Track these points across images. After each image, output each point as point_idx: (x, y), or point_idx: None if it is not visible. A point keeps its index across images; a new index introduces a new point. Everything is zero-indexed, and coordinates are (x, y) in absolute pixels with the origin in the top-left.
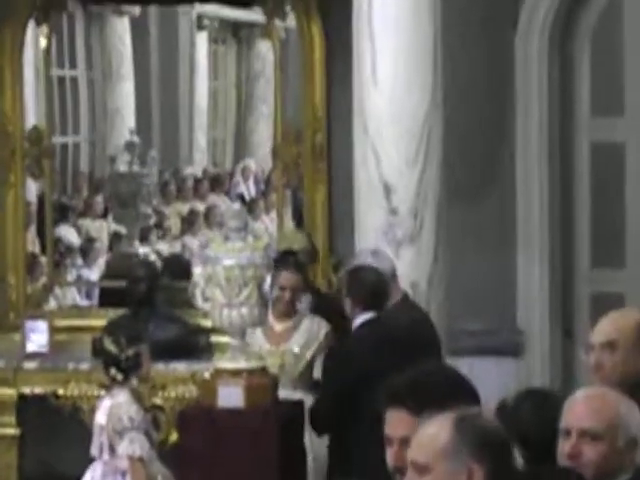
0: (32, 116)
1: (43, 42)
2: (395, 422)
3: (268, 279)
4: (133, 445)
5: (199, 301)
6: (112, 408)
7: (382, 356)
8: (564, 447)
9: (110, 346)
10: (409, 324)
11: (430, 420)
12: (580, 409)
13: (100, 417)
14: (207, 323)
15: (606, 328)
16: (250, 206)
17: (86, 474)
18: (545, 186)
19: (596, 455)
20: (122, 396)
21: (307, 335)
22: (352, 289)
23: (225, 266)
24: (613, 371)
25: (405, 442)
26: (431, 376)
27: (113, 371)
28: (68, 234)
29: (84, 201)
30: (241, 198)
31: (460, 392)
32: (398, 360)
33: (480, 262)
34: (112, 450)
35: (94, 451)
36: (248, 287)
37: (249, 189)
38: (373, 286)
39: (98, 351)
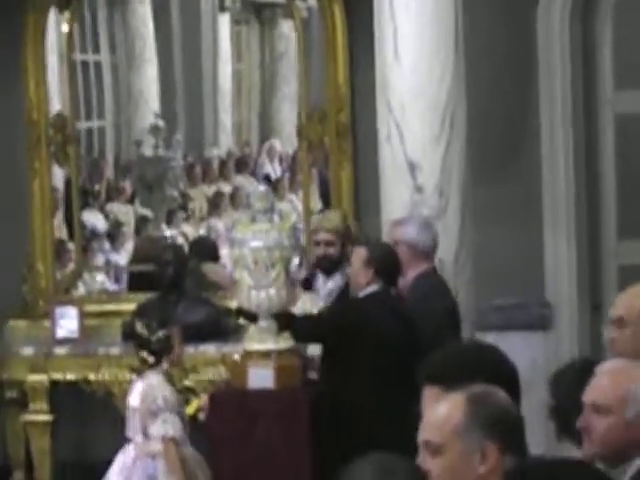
0: (57, 102)
1: (66, 28)
2: (430, 399)
3: (295, 260)
4: (166, 425)
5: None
6: (146, 389)
7: (387, 322)
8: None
9: (141, 329)
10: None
11: (442, 400)
12: (592, 382)
13: (133, 399)
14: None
15: (618, 304)
16: (276, 186)
17: (118, 457)
18: (570, 160)
19: (603, 429)
20: (154, 378)
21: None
22: (379, 262)
23: (252, 248)
24: (624, 347)
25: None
26: (467, 353)
27: (144, 354)
28: (95, 219)
29: (110, 185)
30: (267, 178)
31: (496, 369)
32: (403, 330)
33: (506, 237)
34: (144, 433)
35: (130, 433)
36: (275, 268)
37: (275, 169)
38: (398, 263)
39: (128, 335)
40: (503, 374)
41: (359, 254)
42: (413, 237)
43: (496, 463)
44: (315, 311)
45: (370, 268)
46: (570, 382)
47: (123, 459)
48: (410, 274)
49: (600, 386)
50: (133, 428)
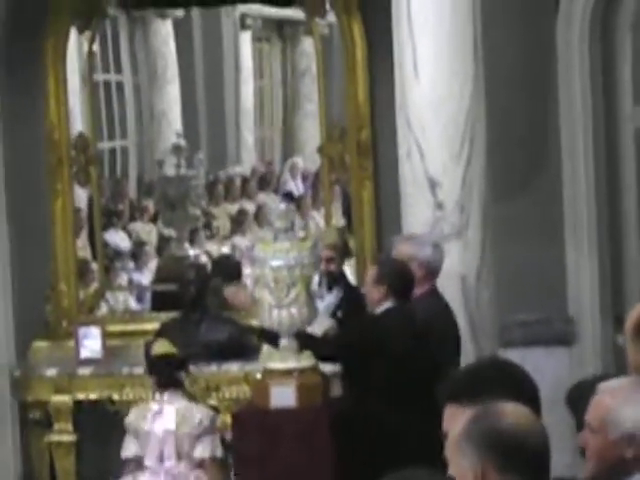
0: (79, 123)
1: (86, 48)
2: (450, 417)
3: (316, 278)
4: (214, 446)
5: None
6: (182, 412)
7: (403, 338)
8: None
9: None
10: (431, 315)
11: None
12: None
13: (168, 423)
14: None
15: (628, 318)
16: (299, 203)
17: None
18: (591, 175)
19: (594, 447)
20: (182, 400)
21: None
22: (392, 278)
23: (273, 267)
24: (634, 360)
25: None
26: (487, 371)
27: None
28: (118, 239)
29: (133, 205)
30: (290, 196)
31: (516, 387)
32: (416, 345)
33: (528, 252)
34: (180, 457)
35: (149, 462)
36: (296, 287)
37: (298, 186)
38: (412, 279)
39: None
40: (523, 392)
41: (371, 271)
42: (428, 256)
43: None
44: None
45: (382, 285)
46: (584, 399)
47: None
48: (415, 292)
49: (593, 404)
50: (158, 455)
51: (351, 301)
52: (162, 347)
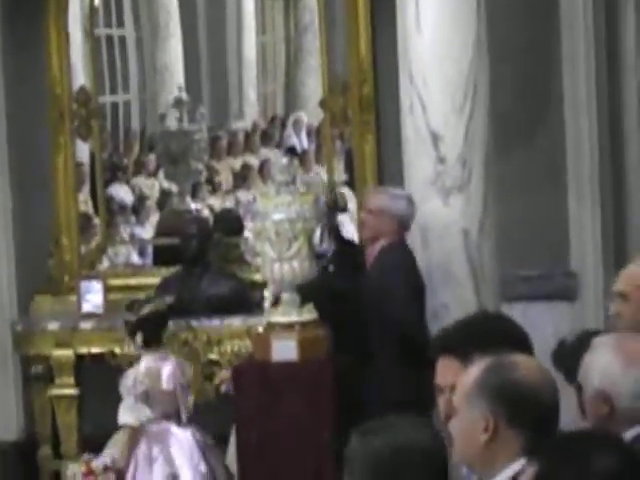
0: (81, 77)
1: (88, 2)
2: (445, 370)
3: (318, 231)
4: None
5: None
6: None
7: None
8: None
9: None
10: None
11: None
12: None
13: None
14: (259, 278)
15: (621, 278)
16: (302, 158)
17: (176, 449)
18: (594, 127)
19: (582, 405)
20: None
21: None
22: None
23: (274, 220)
24: (627, 321)
25: (452, 389)
26: (481, 324)
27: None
28: (122, 193)
29: (136, 159)
30: (293, 151)
31: (510, 340)
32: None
33: (531, 207)
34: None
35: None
36: (298, 240)
37: (301, 141)
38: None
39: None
40: (517, 345)
41: None
42: (401, 209)
43: (498, 434)
44: None
45: None
46: (569, 356)
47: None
48: (381, 243)
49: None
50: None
51: (344, 255)
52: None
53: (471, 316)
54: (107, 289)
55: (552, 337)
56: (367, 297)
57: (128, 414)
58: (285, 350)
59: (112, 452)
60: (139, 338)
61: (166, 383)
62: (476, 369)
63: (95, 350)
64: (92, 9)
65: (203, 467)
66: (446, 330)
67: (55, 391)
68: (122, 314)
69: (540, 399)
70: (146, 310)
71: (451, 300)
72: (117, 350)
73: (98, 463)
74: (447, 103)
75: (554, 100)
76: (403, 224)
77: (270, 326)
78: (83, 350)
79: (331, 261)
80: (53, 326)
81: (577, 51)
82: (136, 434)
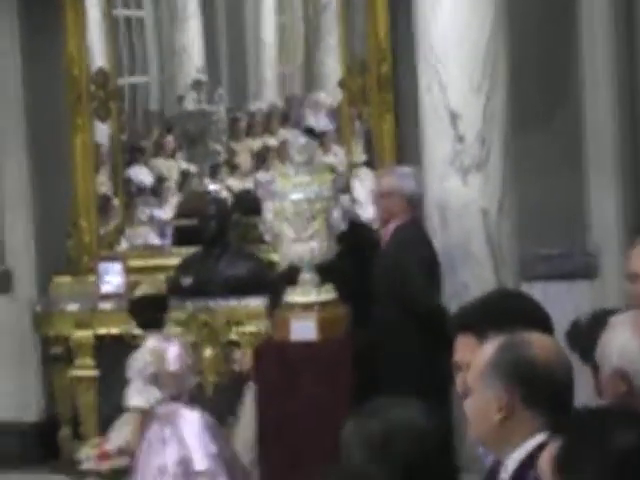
0: (99, 58)
1: None
2: (463, 347)
3: (336, 211)
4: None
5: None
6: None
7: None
8: None
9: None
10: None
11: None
12: None
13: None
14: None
15: (632, 258)
16: (321, 139)
17: (186, 430)
18: (613, 106)
19: (601, 384)
20: (166, 339)
21: None
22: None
23: (293, 200)
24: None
25: (467, 367)
26: (499, 302)
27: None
28: (141, 174)
29: (155, 141)
30: (311, 131)
31: (528, 318)
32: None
33: (550, 185)
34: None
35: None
36: (316, 220)
37: (320, 122)
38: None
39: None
40: (536, 323)
41: None
42: (411, 189)
43: (513, 413)
44: None
45: None
46: (584, 336)
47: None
48: (394, 223)
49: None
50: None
51: (351, 236)
52: (142, 289)
53: (490, 294)
54: (126, 270)
55: (572, 316)
56: (382, 277)
57: (137, 397)
58: (304, 330)
59: (124, 434)
60: (135, 320)
61: (172, 364)
62: (490, 347)
63: (114, 331)
64: None
65: (213, 448)
66: (464, 307)
67: (75, 372)
68: None
69: (555, 377)
70: (140, 292)
71: (470, 279)
72: (136, 331)
73: (112, 446)
74: (465, 82)
75: (573, 81)
76: (414, 202)
77: (289, 306)
78: (102, 331)
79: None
80: (72, 307)
81: (597, 30)
82: (147, 416)
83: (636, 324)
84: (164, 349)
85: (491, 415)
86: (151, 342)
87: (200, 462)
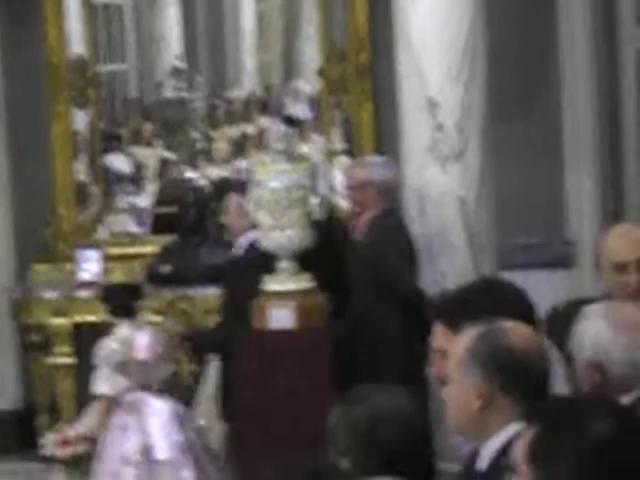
0: (79, 46)
1: None
2: (439, 335)
3: (313, 200)
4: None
5: None
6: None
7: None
8: None
9: None
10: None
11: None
12: None
13: (142, 354)
14: None
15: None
16: (300, 127)
17: (151, 419)
18: (591, 95)
19: (576, 374)
20: (137, 328)
21: None
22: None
23: (271, 189)
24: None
25: (442, 354)
26: (478, 293)
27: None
28: (119, 162)
29: (133, 128)
30: (290, 119)
31: (509, 309)
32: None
33: (529, 176)
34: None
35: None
36: (295, 208)
37: (299, 110)
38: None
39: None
40: (515, 312)
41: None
42: (384, 178)
43: (491, 401)
44: None
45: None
46: (560, 325)
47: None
48: (370, 214)
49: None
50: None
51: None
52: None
53: (471, 284)
54: (105, 258)
55: (551, 304)
56: (359, 265)
57: (104, 384)
58: (282, 318)
59: (88, 421)
60: (106, 307)
61: (142, 353)
62: (467, 337)
63: (92, 319)
64: None
65: (179, 437)
66: (443, 295)
67: (53, 360)
68: None
69: (532, 365)
70: (113, 280)
71: (449, 268)
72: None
73: (73, 433)
74: (444, 71)
75: (552, 71)
76: (387, 191)
77: (267, 294)
78: (80, 319)
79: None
80: (50, 295)
81: (576, 24)
82: (112, 404)
83: (609, 313)
84: (133, 337)
85: (470, 403)
86: (121, 330)
87: (162, 451)
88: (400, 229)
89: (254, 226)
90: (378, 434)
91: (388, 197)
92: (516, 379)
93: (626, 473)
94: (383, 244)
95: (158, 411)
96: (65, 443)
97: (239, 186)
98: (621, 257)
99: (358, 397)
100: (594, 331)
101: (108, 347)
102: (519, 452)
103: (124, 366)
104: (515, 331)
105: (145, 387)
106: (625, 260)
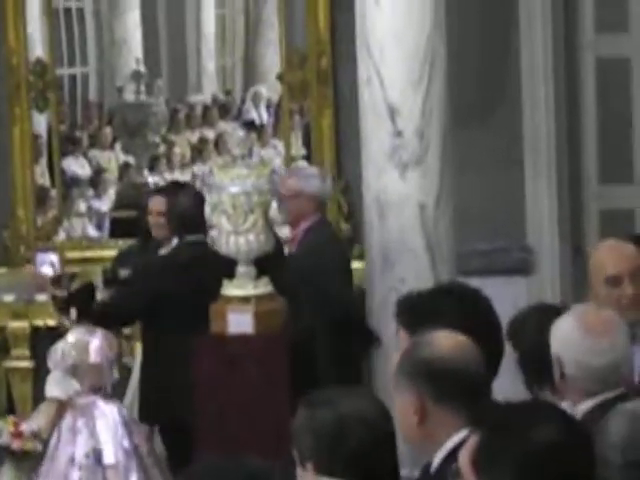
0: (39, 49)
1: None
2: (401, 340)
3: (274, 204)
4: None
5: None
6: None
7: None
8: None
9: None
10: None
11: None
12: None
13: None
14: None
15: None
16: (260, 132)
17: (101, 423)
18: (551, 103)
19: None
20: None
21: None
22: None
23: (230, 193)
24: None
25: None
26: (436, 296)
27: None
28: (78, 166)
29: (92, 132)
30: (251, 124)
31: (466, 312)
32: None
33: (488, 182)
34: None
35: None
36: (254, 213)
37: (260, 115)
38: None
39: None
40: (470, 317)
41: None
42: (316, 188)
43: (427, 414)
44: None
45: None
46: (533, 331)
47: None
48: (303, 225)
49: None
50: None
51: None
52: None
53: (431, 288)
54: (63, 261)
55: (509, 311)
56: (295, 280)
57: (56, 387)
58: (241, 323)
59: (38, 421)
60: (73, 313)
61: (94, 356)
62: (398, 354)
63: (51, 322)
64: None
65: (127, 443)
66: (404, 300)
67: (10, 363)
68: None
69: (462, 372)
70: (76, 285)
71: (407, 274)
72: None
73: (27, 428)
74: (404, 76)
75: (512, 77)
76: (320, 202)
77: (226, 299)
78: (39, 322)
79: None
80: (9, 298)
81: (535, 27)
82: (63, 407)
83: (582, 315)
84: (88, 341)
85: (409, 418)
86: (75, 334)
87: (110, 455)
88: (334, 240)
89: (186, 229)
90: (343, 437)
91: (322, 208)
92: (448, 389)
93: (568, 478)
94: (317, 263)
95: (107, 415)
96: (17, 435)
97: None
98: (615, 270)
99: (323, 399)
100: (564, 327)
101: (62, 350)
102: (464, 458)
103: (77, 369)
104: (439, 341)
105: (95, 390)
106: (619, 273)
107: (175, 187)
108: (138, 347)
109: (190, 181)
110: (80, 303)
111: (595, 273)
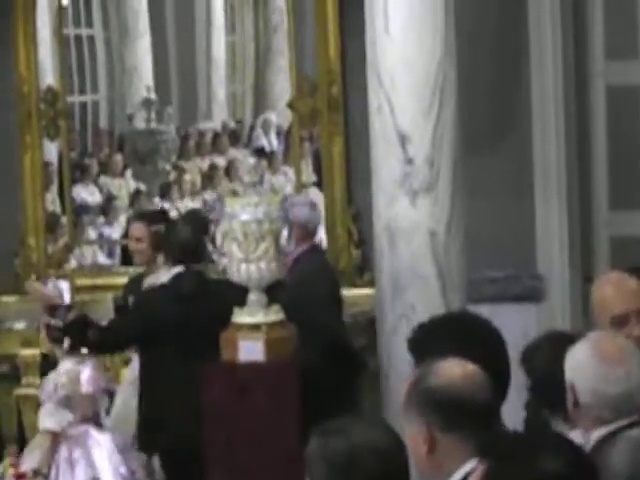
0: (49, 76)
1: (57, 1)
2: (412, 367)
3: (285, 232)
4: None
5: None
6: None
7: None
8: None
9: None
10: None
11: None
12: None
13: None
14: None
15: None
16: (271, 159)
17: (96, 452)
18: (561, 130)
19: None
20: (80, 361)
21: None
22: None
23: (241, 221)
24: None
25: None
26: (438, 326)
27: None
28: (88, 193)
29: (103, 159)
30: (261, 151)
31: (474, 342)
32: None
33: (498, 208)
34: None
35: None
36: (265, 241)
37: (270, 142)
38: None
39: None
40: (478, 346)
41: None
42: (305, 217)
43: (436, 444)
44: None
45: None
46: (546, 359)
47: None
48: (293, 253)
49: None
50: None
51: None
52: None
53: (437, 318)
54: (74, 289)
55: (520, 338)
56: (287, 307)
57: (49, 419)
58: (252, 351)
59: (35, 457)
60: (66, 343)
61: (86, 387)
62: (406, 384)
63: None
64: (60, 8)
65: (123, 470)
66: (412, 334)
67: (21, 391)
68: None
69: (467, 400)
70: (72, 315)
71: (418, 301)
72: (83, 350)
73: (27, 467)
74: (415, 104)
75: (522, 103)
76: (309, 230)
77: (237, 326)
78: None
79: None
80: (19, 325)
81: (546, 54)
82: (57, 439)
83: (597, 342)
84: (79, 371)
85: (419, 449)
86: (66, 364)
87: None
88: (324, 269)
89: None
90: (356, 466)
91: (311, 236)
92: (456, 418)
93: None
94: (308, 294)
95: (102, 444)
96: (20, 477)
97: (154, 216)
98: (621, 310)
99: (336, 428)
100: (579, 355)
101: (54, 382)
102: None
103: (70, 400)
104: (444, 370)
105: (87, 420)
106: (626, 312)
107: (156, 214)
108: (124, 373)
109: (198, 208)
110: (75, 334)
111: (600, 312)
